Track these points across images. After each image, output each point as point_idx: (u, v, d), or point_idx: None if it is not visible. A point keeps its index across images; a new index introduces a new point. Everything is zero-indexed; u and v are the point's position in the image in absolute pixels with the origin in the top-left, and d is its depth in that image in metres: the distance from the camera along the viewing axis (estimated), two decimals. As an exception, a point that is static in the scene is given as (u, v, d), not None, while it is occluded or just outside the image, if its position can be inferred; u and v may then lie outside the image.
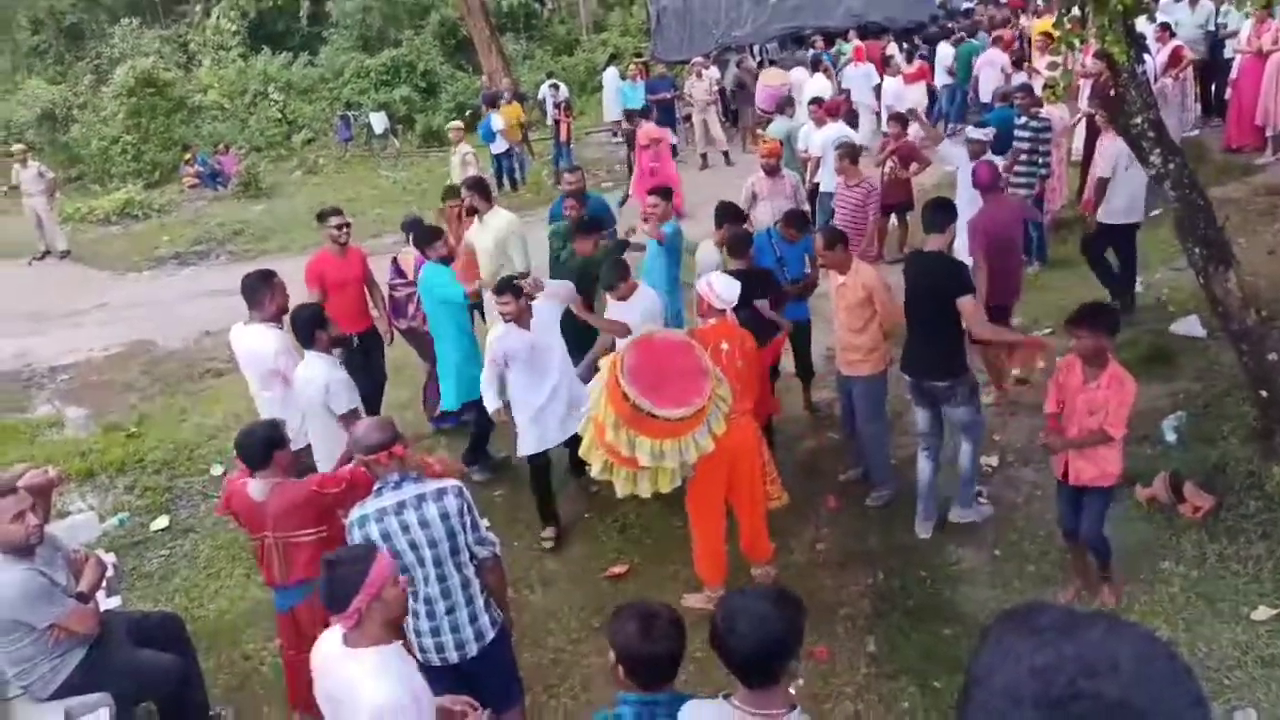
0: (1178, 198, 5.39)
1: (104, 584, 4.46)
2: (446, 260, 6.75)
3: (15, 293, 13.11)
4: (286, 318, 5.61)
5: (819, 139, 10.24)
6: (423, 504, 3.58)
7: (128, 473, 7.61)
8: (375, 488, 3.66)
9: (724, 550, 5.18)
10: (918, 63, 15.25)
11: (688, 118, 16.73)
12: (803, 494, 5.95)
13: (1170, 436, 6.02)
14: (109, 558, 4.92)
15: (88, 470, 7.62)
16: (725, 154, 15.86)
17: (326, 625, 4.17)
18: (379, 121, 21.87)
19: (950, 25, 17.11)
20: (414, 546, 3.58)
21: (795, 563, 5.56)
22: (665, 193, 7.25)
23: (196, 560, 6.36)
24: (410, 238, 7.26)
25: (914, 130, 10.04)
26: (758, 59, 19.36)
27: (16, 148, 15.95)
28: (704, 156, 16.03)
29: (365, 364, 6.97)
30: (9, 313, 12.12)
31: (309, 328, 5.24)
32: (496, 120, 15.62)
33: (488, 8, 22.99)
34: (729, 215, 6.88)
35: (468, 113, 18.84)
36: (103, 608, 4.31)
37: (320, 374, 5.12)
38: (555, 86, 18.25)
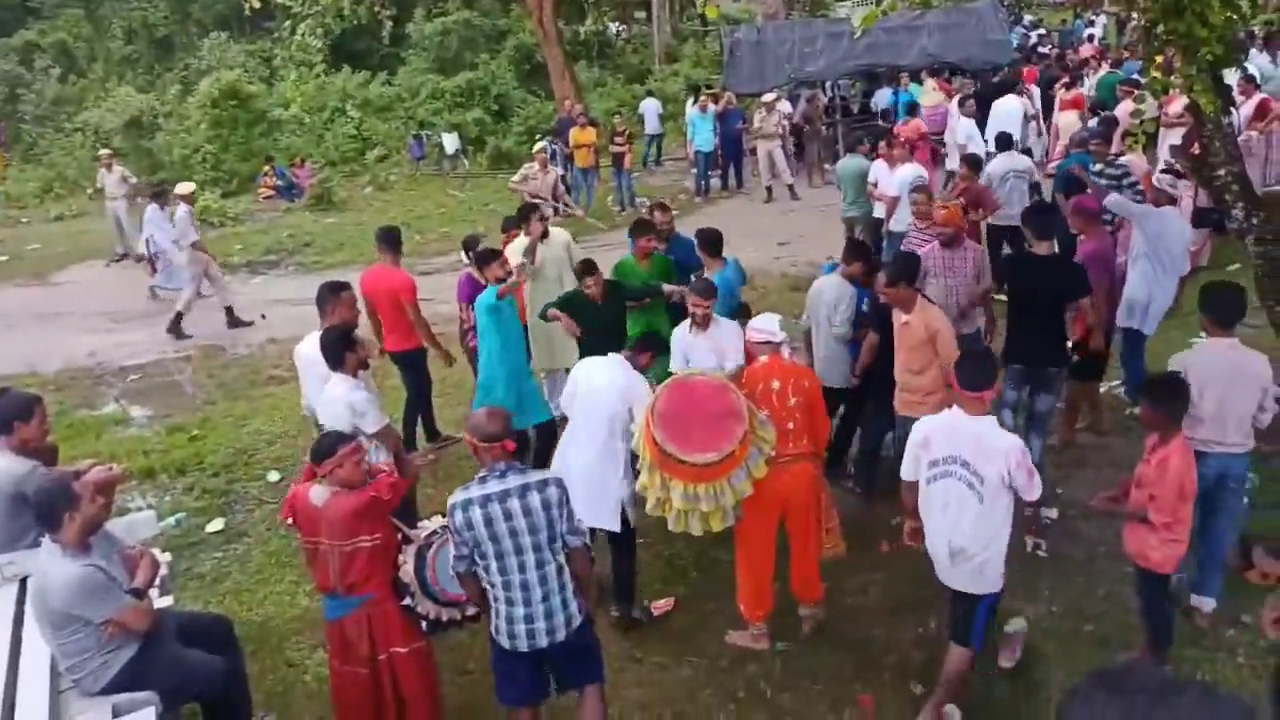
0: (1259, 254, 5.25)
1: (157, 582, 4.53)
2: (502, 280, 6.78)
3: (93, 293, 13.54)
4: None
5: (895, 179, 9.90)
6: (527, 493, 3.75)
7: (187, 474, 7.77)
8: (480, 475, 3.84)
9: (770, 585, 5.10)
10: (1075, 91, 14.36)
11: (753, 150, 16.75)
12: (856, 536, 5.83)
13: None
14: (164, 557, 4.99)
15: (149, 469, 7.79)
16: (790, 188, 15.92)
17: (372, 639, 4.24)
18: (451, 142, 22.24)
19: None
20: (514, 534, 3.75)
21: (845, 606, 5.46)
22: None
23: (248, 565, 6.44)
24: (470, 256, 7.35)
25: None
26: (828, 95, 19.36)
27: (103, 153, 16.47)
28: (769, 190, 16.07)
29: None
30: (85, 312, 12.53)
31: (338, 349, 5.19)
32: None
33: (563, 35, 23.32)
34: (859, 253, 6.66)
35: (537, 136, 19.01)
36: (155, 605, 4.37)
37: (341, 395, 5.09)
38: (619, 113, 18.30)
